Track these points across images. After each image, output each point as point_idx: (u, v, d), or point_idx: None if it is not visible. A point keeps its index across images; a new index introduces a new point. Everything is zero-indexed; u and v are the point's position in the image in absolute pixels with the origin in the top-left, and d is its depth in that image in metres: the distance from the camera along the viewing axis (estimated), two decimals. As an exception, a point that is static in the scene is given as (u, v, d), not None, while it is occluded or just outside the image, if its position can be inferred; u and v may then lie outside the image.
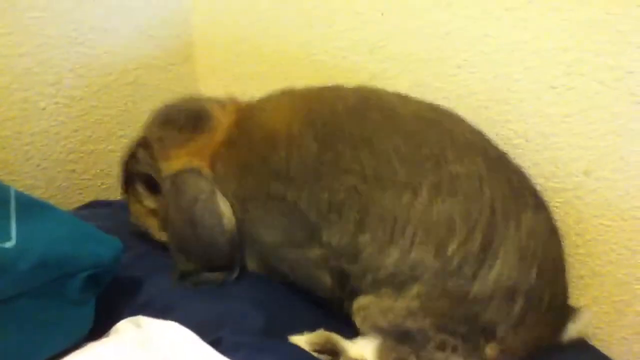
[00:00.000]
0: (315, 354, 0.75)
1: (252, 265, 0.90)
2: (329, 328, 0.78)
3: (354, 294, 0.77)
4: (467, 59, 0.90)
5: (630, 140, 0.79)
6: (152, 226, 0.94)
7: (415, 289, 0.72)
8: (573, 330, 0.80)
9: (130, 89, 1.18)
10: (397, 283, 0.73)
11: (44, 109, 1.03)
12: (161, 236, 0.92)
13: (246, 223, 0.86)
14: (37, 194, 1.05)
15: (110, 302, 0.80)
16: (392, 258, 0.73)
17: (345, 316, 0.79)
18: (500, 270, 0.70)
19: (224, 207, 0.86)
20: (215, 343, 0.73)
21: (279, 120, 0.85)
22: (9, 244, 0.69)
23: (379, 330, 0.74)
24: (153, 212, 0.93)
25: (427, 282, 0.71)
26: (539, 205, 0.78)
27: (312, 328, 0.78)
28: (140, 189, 0.93)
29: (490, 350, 0.72)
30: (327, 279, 0.79)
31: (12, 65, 0.96)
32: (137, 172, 0.93)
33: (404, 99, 0.85)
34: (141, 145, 0.93)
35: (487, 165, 0.74)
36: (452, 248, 0.71)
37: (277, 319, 0.79)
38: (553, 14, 0.80)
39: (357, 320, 0.77)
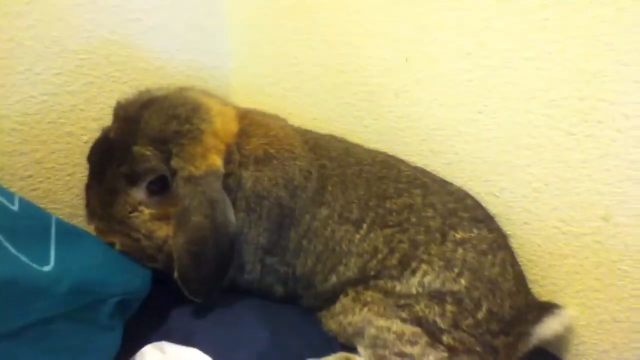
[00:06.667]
0: None
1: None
2: (331, 346, 0.88)
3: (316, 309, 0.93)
4: (487, 104, 0.93)
5: (648, 188, 0.80)
6: (165, 233, 0.86)
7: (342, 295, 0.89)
8: (554, 324, 0.87)
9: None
10: (333, 299, 0.91)
11: (86, 142, 1.08)
12: (175, 243, 0.83)
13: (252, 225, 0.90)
14: (75, 222, 1.09)
15: (137, 327, 0.84)
16: (329, 283, 0.91)
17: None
18: (422, 276, 0.84)
19: (231, 214, 0.85)
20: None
21: (288, 135, 0.97)
22: (47, 268, 0.73)
23: (351, 337, 0.88)
24: (158, 217, 0.86)
25: (350, 288, 0.88)
26: (477, 223, 0.89)
27: (318, 346, 0.86)
28: (143, 190, 0.86)
29: (447, 339, 0.81)
30: (281, 291, 0.94)
31: (61, 102, 1.03)
32: (144, 171, 0.84)
33: (367, 150, 1.01)
34: (150, 142, 0.83)
35: (424, 195, 0.90)
36: (371, 265, 0.88)
37: (287, 342, 0.84)
38: (570, 64, 0.82)
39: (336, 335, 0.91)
